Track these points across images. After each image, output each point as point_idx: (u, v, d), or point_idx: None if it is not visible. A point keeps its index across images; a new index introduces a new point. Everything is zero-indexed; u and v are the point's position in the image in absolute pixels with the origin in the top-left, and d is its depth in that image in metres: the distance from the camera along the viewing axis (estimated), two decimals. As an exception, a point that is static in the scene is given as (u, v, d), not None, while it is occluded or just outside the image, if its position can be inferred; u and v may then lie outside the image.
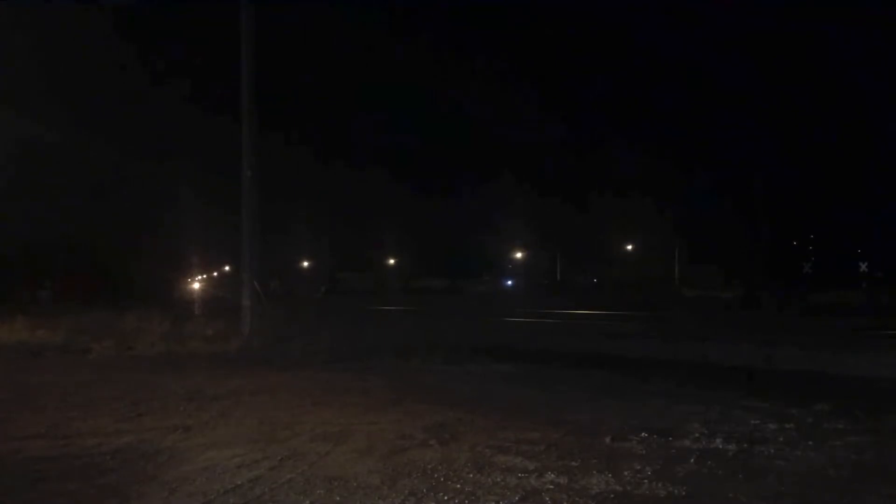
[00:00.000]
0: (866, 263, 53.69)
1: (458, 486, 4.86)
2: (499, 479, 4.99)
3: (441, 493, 4.70)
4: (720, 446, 5.94)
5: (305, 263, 70.77)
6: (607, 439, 6.14)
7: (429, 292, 55.85)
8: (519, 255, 62.29)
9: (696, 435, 6.30)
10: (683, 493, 4.72)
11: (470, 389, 8.99)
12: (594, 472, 5.15)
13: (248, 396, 8.42)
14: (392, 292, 52.70)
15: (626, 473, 5.11)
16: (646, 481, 4.95)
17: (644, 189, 45.13)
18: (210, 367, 11.45)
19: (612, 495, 4.68)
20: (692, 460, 5.48)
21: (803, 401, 7.76)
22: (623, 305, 33.36)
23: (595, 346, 14.50)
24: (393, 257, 64.63)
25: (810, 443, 6.02)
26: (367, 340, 15.31)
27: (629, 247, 53.76)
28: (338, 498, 4.64)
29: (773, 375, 10.30)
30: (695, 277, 46.94)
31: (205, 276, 71.44)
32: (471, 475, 5.10)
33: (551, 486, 4.85)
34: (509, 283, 61.54)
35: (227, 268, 62.37)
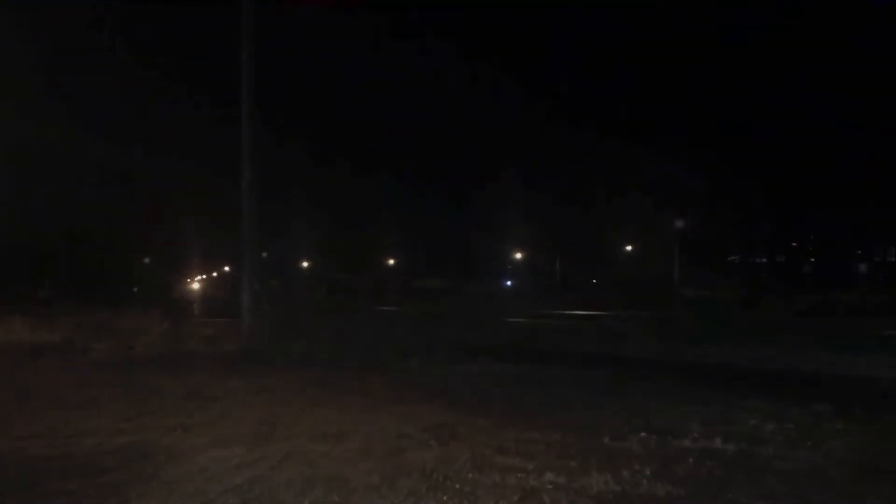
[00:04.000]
0: (866, 264, 53.78)
1: (458, 486, 4.86)
2: (498, 479, 4.99)
3: (440, 493, 4.70)
4: (719, 446, 5.94)
5: (305, 263, 70.69)
6: (606, 439, 6.14)
7: (428, 292, 55.90)
8: (518, 255, 62.32)
9: (696, 435, 6.30)
10: (682, 493, 4.73)
11: (470, 389, 8.99)
12: (593, 471, 5.15)
13: (248, 396, 8.43)
14: (392, 292, 52.74)
15: (625, 473, 5.11)
16: (645, 481, 4.95)
17: (645, 189, 45.17)
18: (210, 367, 11.45)
19: (610, 495, 4.69)
20: (691, 460, 5.48)
21: (803, 400, 7.76)
22: (623, 306, 33.36)
23: (594, 346, 14.52)
24: (392, 257, 64.71)
25: (809, 443, 6.02)
26: (366, 340, 15.32)
27: (629, 247, 53.81)
28: (337, 498, 4.64)
29: (772, 375, 10.32)
30: (695, 278, 46.95)
31: (204, 277, 71.47)
32: (470, 475, 5.10)
33: (550, 486, 4.85)
34: (509, 283, 61.56)
35: (226, 268, 62.42)
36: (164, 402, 8.09)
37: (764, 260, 60.04)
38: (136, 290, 50.13)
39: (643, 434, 6.30)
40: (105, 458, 5.62)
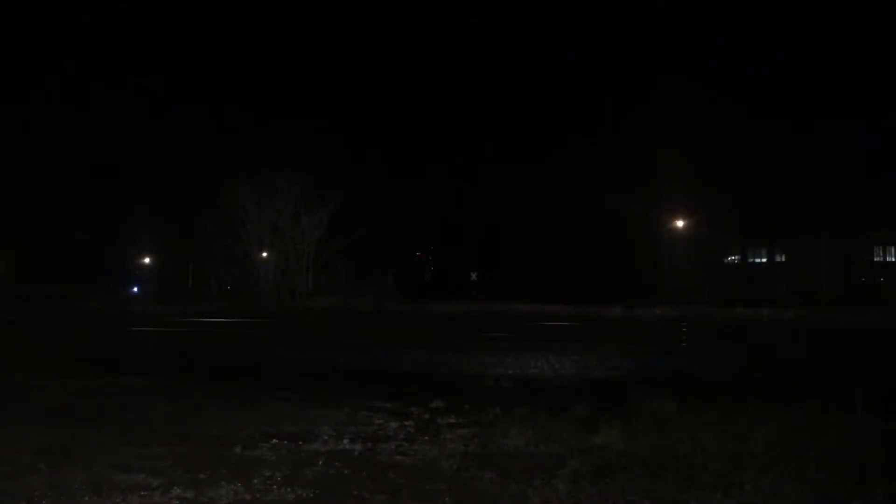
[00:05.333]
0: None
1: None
2: (119, 500, 4.67)
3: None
4: (347, 447, 6.22)
5: None
6: (238, 448, 6.07)
7: (42, 299, 50.11)
8: (147, 260, 58.72)
9: (325, 438, 6.54)
10: (311, 495, 4.85)
11: (90, 406, 8.24)
12: (223, 482, 5.06)
13: None
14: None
15: (255, 481, 5.10)
16: (275, 487, 5.00)
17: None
18: None
19: (241, 504, 4.65)
20: (321, 462, 5.66)
21: (421, 399, 8.38)
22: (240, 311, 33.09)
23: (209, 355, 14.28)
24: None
25: (426, 437, 6.58)
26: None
27: (264, 254, 53.65)
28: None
29: (396, 377, 11.05)
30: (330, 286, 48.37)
31: None
32: (87, 498, 4.70)
33: (177, 502, 4.67)
34: (135, 290, 57.48)
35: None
36: None
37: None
38: None
39: (275, 440, 6.38)
40: None
